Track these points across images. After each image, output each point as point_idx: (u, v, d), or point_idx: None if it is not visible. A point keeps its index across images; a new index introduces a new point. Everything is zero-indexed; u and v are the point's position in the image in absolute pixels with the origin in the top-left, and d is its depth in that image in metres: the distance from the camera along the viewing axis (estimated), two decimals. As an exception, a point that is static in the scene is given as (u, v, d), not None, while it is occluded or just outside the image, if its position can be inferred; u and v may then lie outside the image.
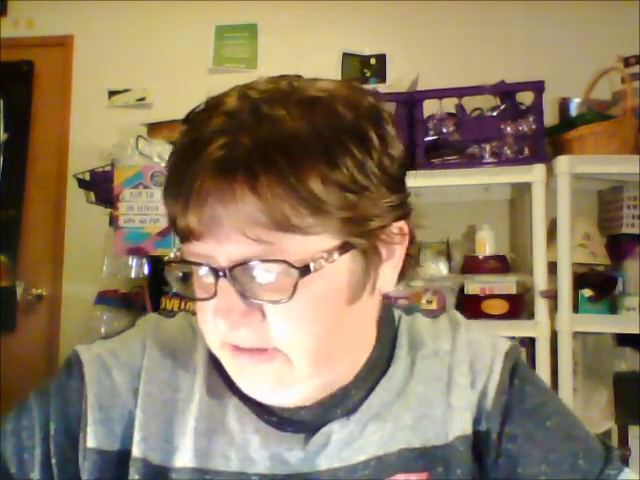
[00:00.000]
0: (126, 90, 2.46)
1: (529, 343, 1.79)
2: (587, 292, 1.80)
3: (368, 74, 2.31)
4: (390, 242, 0.55)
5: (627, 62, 1.97)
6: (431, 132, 1.86)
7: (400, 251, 0.57)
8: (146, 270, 1.96)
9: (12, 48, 2.51)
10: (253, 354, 0.53)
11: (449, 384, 0.61)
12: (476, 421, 0.61)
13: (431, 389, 0.61)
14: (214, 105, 0.52)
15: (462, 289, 1.87)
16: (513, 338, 1.82)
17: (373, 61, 2.32)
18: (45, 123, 2.53)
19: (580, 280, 1.82)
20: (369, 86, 2.23)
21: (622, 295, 1.83)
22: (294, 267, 0.49)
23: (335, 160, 0.49)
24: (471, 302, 1.83)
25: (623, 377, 1.82)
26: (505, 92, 1.88)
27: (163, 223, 1.79)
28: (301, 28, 2.39)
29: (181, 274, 0.55)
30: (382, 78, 2.29)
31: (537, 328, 1.73)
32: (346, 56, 2.33)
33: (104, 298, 2.16)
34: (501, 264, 1.91)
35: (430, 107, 1.88)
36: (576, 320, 1.73)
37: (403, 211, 0.56)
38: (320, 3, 2.37)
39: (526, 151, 1.81)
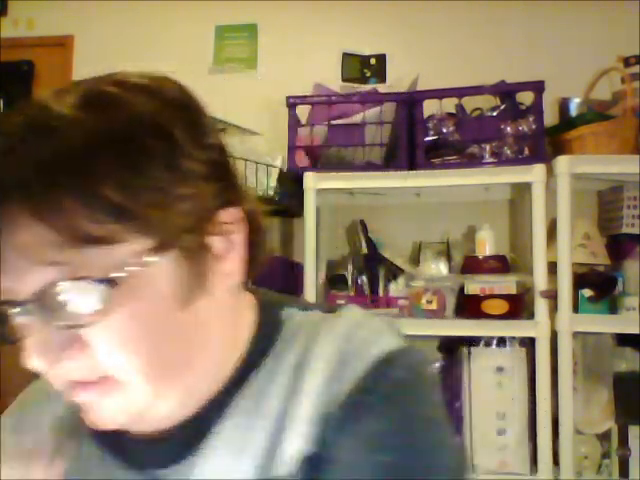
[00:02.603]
0: (126, 90, 2.46)
1: (529, 343, 1.79)
2: (587, 292, 1.80)
3: (368, 74, 2.31)
4: (225, 233, 0.50)
5: (627, 62, 1.97)
6: (431, 132, 1.86)
7: (240, 239, 0.52)
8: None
9: (12, 48, 2.51)
10: (88, 388, 0.48)
11: (297, 402, 0.52)
12: (312, 439, 0.51)
13: (278, 410, 0.52)
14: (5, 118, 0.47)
15: (462, 289, 1.87)
16: (513, 338, 1.82)
17: (373, 61, 2.32)
18: (45, 123, 2.53)
19: (580, 280, 1.82)
20: (369, 86, 2.23)
21: (622, 295, 1.83)
22: (98, 281, 0.44)
23: (134, 163, 0.44)
24: (471, 302, 1.83)
25: (623, 377, 1.82)
26: (505, 92, 1.88)
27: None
28: (301, 28, 2.39)
29: None
30: (382, 78, 2.29)
31: (537, 328, 1.73)
32: (346, 56, 2.33)
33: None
34: (501, 264, 1.91)
35: (430, 107, 1.88)
36: (576, 320, 1.73)
37: (230, 197, 0.51)
38: (320, 3, 2.37)
39: (526, 151, 1.81)
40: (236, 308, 0.56)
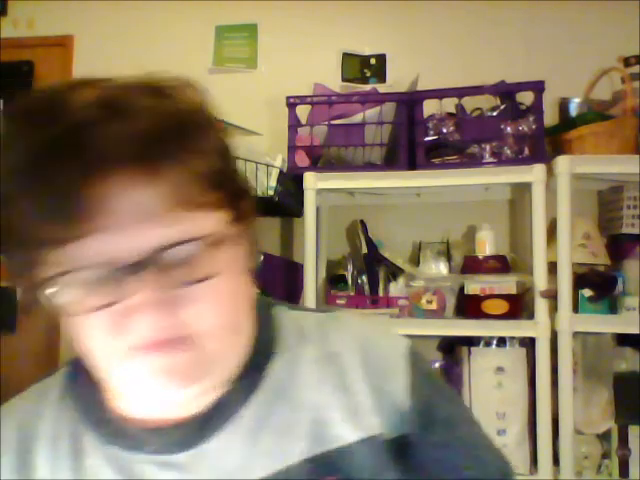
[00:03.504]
0: (126, 90, 2.46)
1: (529, 343, 1.79)
2: (587, 292, 1.81)
3: (368, 74, 2.31)
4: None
5: (627, 62, 1.97)
6: (431, 132, 1.86)
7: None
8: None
9: (12, 48, 2.51)
10: (167, 348, 0.49)
11: (342, 389, 0.58)
12: (387, 425, 0.57)
13: (323, 395, 0.57)
14: (65, 96, 0.48)
15: (462, 289, 1.87)
16: (513, 338, 1.82)
17: (373, 61, 2.31)
18: (45, 123, 2.53)
19: (580, 280, 1.82)
20: (369, 86, 2.23)
21: (622, 295, 1.83)
22: (205, 243, 0.48)
23: (206, 142, 0.51)
24: (471, 302, 1.83)
25: (623, 377, 1.81)
26: (505, 92, 1.88)
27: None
28: (301, 28, 2.39)
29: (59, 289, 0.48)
30: (382, 78, 2.29)
31: (537, 328, 1.73)
32: (346, 56, 2.33)
33: (104, 298, 2.16)
34: (501, 264, 1.91)
35: (430, 107, 1.88)
36: (576, 320, 1.73)
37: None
38: (320, 3, 2.37)
39: (526, 151, 1.81)
40: None
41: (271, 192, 1.84)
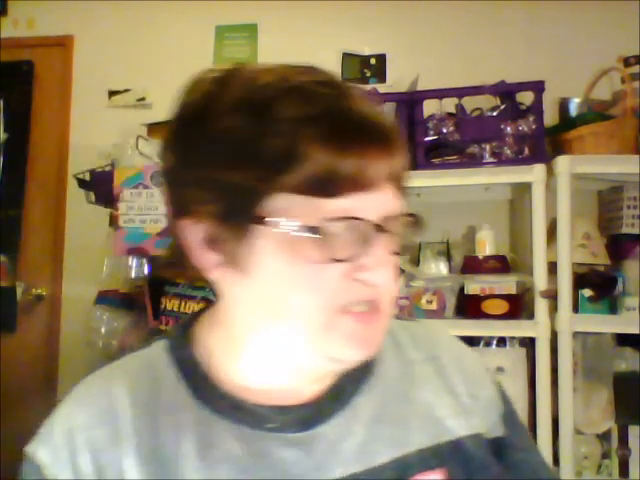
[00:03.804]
0: (126, 90, 2.46)
1: (529, 343, 1.79)
2: (587, 292, 1.80)
3: (368, 74, 2.31)
4: None
5: (627, 62, 1.97)
6: (431, 132, 1.86)
7: None
8: (146, 270, 1.96)
9: (12, 48, 2.51)
10: (372, 313, 0.54)
11: (447, 390, 0.64)
12: (486, 426, 0.64)
13: (431, 393, 0.63)
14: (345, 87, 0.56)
15: (462, 289, 1.87)
16: (513, 338, 1.82)
17: (373, 61, 2.31)
18: (45, 123, 2.53)
19: (580, 280, 1.82)
20: (369, 86, 2.23)
21: (622, 295, 1.82)
22: (416, 220, 0.56)
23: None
24: (471, 302, 1.83)
25: (623, 377, 1.82)
26: (505, 92, 1.88)
27: (163, 223, 1.79)
28: (301, 28, 2.39)
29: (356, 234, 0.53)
30: (382, 78, 2.29)
31: (537, 328, 1.73)
32: (346, 56, 2.33)
33: (104, 298, 2.16)
34: (501, 264, 1.91)
35: (430, 107, 1.88)
36: (576, 320, 1.73)
37: None
38: (320, 3, 2.37)
39: (526, 151, 1.81)
40: None
41: (271, 192, 1.84)
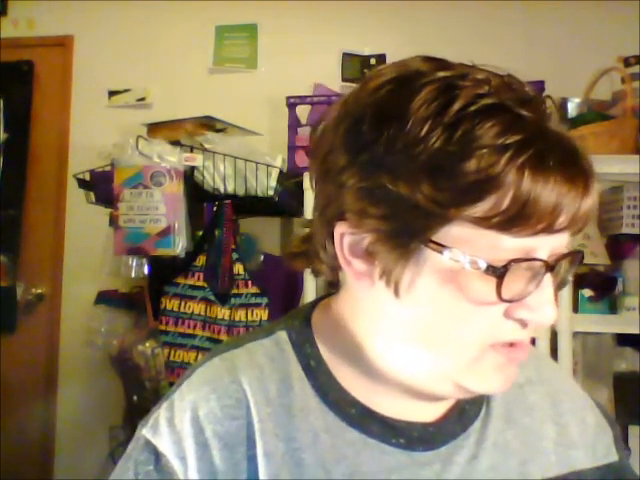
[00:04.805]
0: (126, 90, 2.46)
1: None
2: (587, 292, 1.80)
3: (368, 74, 2.31)
4: None
5: (627, 62, 1.97)
6: (431, 132, 1.86)
7: None
8: (146, 270, 1.96)
9: (12, 48, 2.51)
10: (518, 349, 0.53)
11: (554, 418, 0.62)
12: (601, 453, 0.63)
13: (536, 420, 0.61)
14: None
15: (462, 289, 1.87)
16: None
17: (373, 61, 2.32)
18: (45, 123, 2.52)
19: (580, 280, 1.82)
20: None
21: (622, 295, 1.83)
22: (581, 258, 0.54)
23: None
24: (471, 302, 1.83)
25: (623, 377, 1.82)
26: (505, 92, 1.88)
27: (163, 223, 1.79)
28: (301, 28, 2.39)
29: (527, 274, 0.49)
30: (382, 78, 2.29)
31: (537, 328, 1.73)
32: (346, 56, 2.33)
33: (104, 298, 2.16)
34: (501, 264, 1.91)
35: (430, 107, 1.88)
36: (576, 320, 1.73)
37: None
38: (320, 3, 2.36)
39: (526, 151, 1.81)
40: None
41: (271, 192, 1.84)
